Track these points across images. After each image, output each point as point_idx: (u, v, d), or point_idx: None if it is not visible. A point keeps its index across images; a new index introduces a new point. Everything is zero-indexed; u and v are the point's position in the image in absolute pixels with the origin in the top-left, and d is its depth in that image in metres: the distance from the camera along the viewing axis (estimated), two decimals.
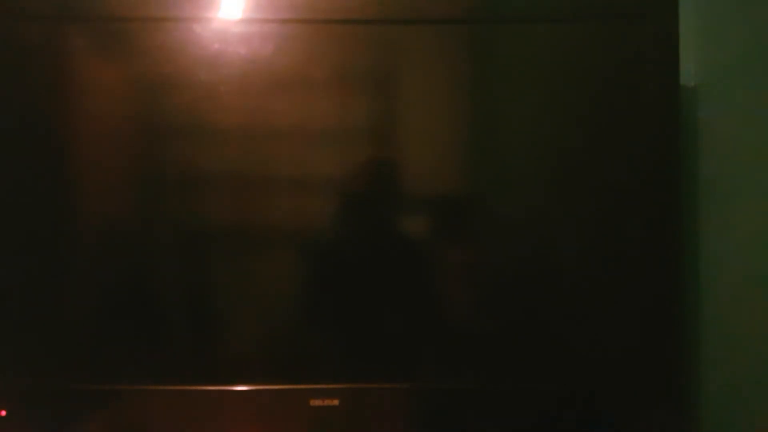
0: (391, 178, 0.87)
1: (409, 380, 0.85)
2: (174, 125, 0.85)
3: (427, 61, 0.88)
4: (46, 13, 0.84)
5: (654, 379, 0.84)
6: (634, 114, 0.85)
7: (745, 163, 0.85)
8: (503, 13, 0.87)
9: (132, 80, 0.85)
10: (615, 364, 0.85)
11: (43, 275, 0.84)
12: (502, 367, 0.86)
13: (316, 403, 0.83)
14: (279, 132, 0.86)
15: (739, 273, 0.85)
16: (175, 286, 0.86)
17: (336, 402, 0.83)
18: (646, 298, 0.84)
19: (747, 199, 0.84)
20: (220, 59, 0.84)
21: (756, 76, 0.83)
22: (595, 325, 0.85)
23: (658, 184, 0.85)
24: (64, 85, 0.85)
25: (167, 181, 0.85)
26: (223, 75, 0.84)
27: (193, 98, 0.85)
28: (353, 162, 0.86)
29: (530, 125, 0.87)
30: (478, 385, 0.85)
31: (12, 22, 0.84)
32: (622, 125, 0.85)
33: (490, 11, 0.87)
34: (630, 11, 0.86)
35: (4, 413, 0.83)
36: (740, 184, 0.86)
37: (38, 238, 0.84)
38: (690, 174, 0.91)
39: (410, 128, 0.88)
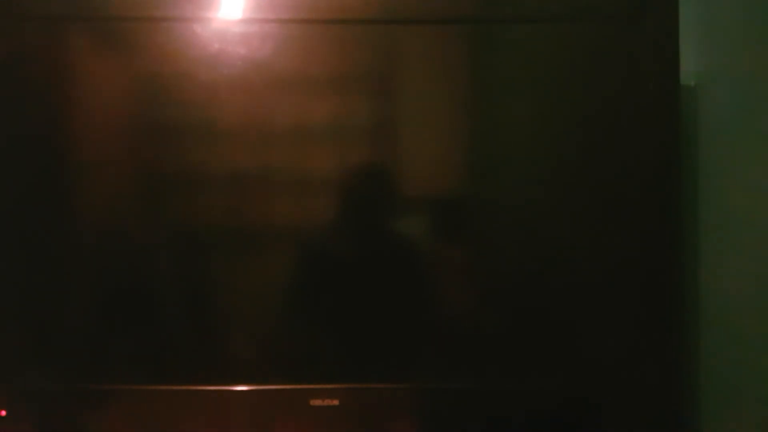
0: (391, 177, 0.87)
1: (409, 380, 0.85)
2: (174, 125, 0.85)
3: (427, 61, 0.88)
4: (46, 13, 0.84)
5: (654, 379, 0.84)
6: (634, 114, 0.85)
7: (745, 163, 0.85)
8: (503, 13, 0.87)
9: (132, 80, 0.85)
10: (614, 364, 0.85)
11: (43, 275, 0.84)
12: (502, 367, 0.86)
13: (316, 403, 0.83)
14: (279, 132, 0.86)
15: (739, 272, 0.85)
16: (174, 286, 0.86)
17: (336, 402, 0.83)
18: (646, 298, 0.84)
19: (747, 199, 0.84)
20: (220, 59, 0.84)
21: (756, 76, 0.83)
22: (594, 325, 0.85)
23: (658, 184, 0.85)
24: (64, 85, 0.85)
25: (167, 181, 0.85)
26: (223, 75, 0.84)
27: (193, 98, 0.85)
28: (353, 162, 0.86)
29: (530, 125, 0.87)
30: (478, 385, 0.85)
31: (12, 22, 0.84)
32: (623, 125, 0.85)
33: (490, 11, 0.87)
34: (630, 11, 0.86)
35: (4, 413, 0.83)
36: (740, 183, 0.85)
37: (38, 237, 0.84)
38: (690, 173, 0.91)
39: (410, 128, 0.88)
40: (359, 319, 0.86)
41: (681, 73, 0.86)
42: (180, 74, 0.84)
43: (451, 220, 0.87)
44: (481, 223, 0.88)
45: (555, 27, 0.86)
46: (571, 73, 0.87)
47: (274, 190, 0.86)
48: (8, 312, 0.84)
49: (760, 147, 0.83)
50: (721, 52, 0.90)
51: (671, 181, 0.85)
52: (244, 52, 0.85)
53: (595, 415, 0.85)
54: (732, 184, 0.87)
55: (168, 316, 0.86)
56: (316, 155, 0.86)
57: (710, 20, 0.91)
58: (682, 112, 0.88)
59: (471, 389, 0.85)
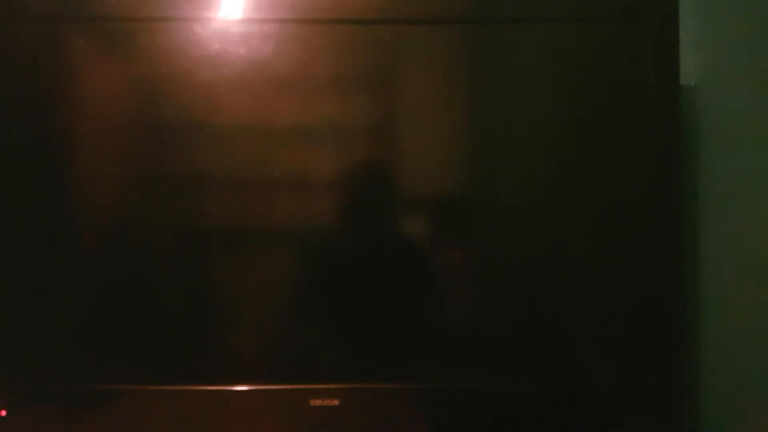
0: (391, 178, 0.87)
1: (409, 380, 0.85)
2: (174, 125, 0.85)
3: (427, 61, 0.88)
4: (46, 13, 0.85)
5: (654, 379, 0.84)
6: (634, 114, 0.85)
7: (745, 163, 0.85)
8: (503, 13, 0.87)
9: (132, 80, 0.85)
10: (615, 364, 0.85)
11: (44, 275, 0.84)
12: (502, 368, 0.86)
13: (316, 403, 0.83)
14: (279, 132, 0.86)
15: (739, 272, 0.85)
16: (175, 286, 0.86)
17: (336, 402, 0.83)
18: (646, 298, 0.84)
19: (747, 199, 0.84)
20: (220, 59, 0.85)
21: (756, 76, 0.83)
22: (594, 325, 0.85)
23: (658, 184, 0.85)
24: (64, 85, 0.85)
25: (167, 181, 0.85)
26: (223, 75, 0.84)
27: (193, 98, 0.85)
28: (353, 162, 0.86)
29: (530, 126, 0.87)
30: (478, 385, 0.85)
31: (12, 22, 0.84)
32: (623, 125, 0.85)
33: (490, 11, 0.87)
34: (630, 11, 0.86)
35: (4, 413, 0.83)
36: (740, 183, 0.85)
37: (38, 237, 0.84)
38: (690, 174, 0.91)
39: (410, 128, 0.88)
40: (360, 319, 0.86)
41: (681, 73, 0.86)
42: (180, 74, 0.84)
43: (452, 221, 0.87)
44: (482, 224, 0.88)
45: (555, 27, 0.86)
46: (571, 73, 0.87)
47: (275, 190, 0.86)
48: (8, 312, 0.84)
49: (760, 147, 0.83)
50: (721, 52, 0.90)
51: (671, 181, 0.85)
52: (244, 52, 0.85)
53: (595, 416, 0.85)
54: (732, 184, 0.87)
55: (168, 316, 0.86)
56: (317, 155, 0.86)
57: (710, 20, 0.91)
58: (682, 112, 0.88)
59: (471, 389, 0.85)
